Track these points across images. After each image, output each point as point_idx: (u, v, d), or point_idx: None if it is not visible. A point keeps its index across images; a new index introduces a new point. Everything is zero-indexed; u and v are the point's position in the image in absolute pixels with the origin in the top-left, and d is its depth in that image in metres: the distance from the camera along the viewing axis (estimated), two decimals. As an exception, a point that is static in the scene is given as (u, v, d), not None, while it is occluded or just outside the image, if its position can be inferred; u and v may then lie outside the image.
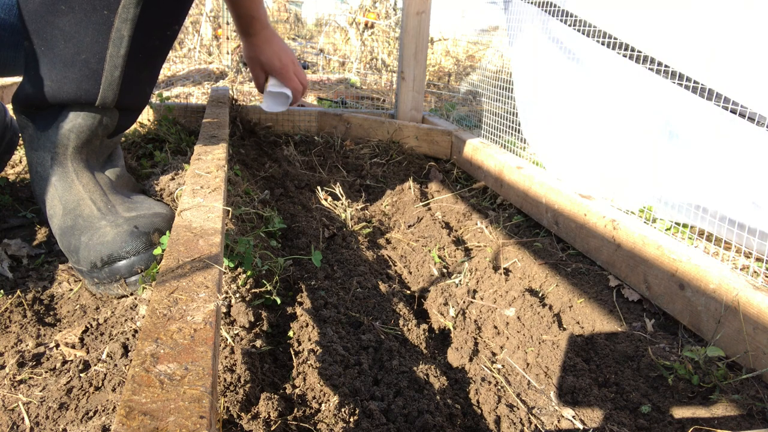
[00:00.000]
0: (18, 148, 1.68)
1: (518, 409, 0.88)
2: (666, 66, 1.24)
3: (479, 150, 1.88)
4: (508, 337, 1.06)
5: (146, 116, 2.12)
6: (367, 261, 1.32)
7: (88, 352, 0.87)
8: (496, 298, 1.17)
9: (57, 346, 0.88)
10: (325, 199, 1.68)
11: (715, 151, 1.24)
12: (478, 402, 0.90)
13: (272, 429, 0.72)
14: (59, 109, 1.09)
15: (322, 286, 1.13)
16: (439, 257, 1.38)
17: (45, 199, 1.11)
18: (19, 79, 1.15)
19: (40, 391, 0.77)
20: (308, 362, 0.86)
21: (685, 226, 1.38)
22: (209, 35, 4.75)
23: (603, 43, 1.38)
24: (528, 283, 1.28)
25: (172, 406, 0.44)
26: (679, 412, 0.87)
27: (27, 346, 0.88)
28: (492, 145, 1.90)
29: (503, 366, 1.00)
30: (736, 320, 0.95)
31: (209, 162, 1.17)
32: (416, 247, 1.45)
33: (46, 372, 0.82)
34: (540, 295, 1.23)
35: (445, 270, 1.33)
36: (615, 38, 1.35)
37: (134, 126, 2.01)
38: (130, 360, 0.83)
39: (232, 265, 1.01)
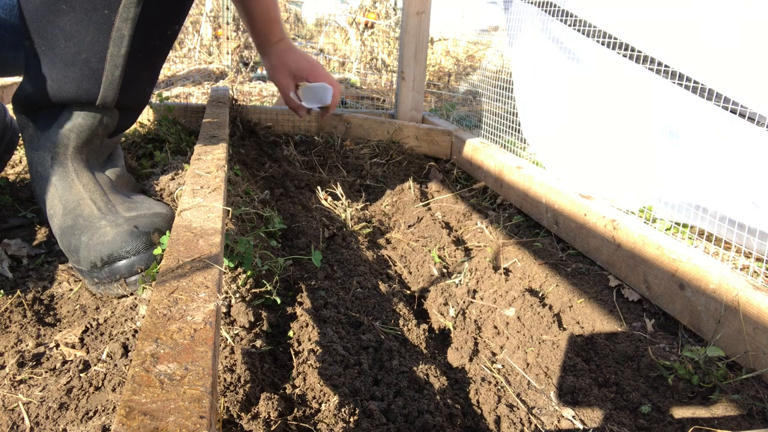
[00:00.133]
0: (18, 148, 1.68)
1: (518, 409, 0.88)
2: (666, 66, 1.24)
3: (479, 150, 1.88)
4: (508, 337, 1.06)
5: (146, 116, 2.12)
6: (367, 261, 1.32)
7: (88, 352, 0.87)
8: (496, 298, 1.17)
9: (57, 346, 0.88)
10: (325, 199, 1.68)
11: (715, 151, 1.24)
12: (478, 402, 0.90)
13: (272, 429, 0.72)
14: (60, 108, 1.09)
15: (322, 286, 1.13)
16: (439, 257, 1.38)
17: (45, 199, 1.11)
18: (19, 79, 1.15)
19: (40, 391, 0.77)
20: (308, 362, 0.86)
21: (685, 226, 1.38)
22: (209, 35, 4.75)
23: (603, 43, 1.38)
24: (528, 283, 1.28)
25: (172, 406, 0.44)
26: (679, 412, 0.87)
27: (27, 346, 0.88)
28: (492, 145, 1.90)
29: (503, 366, 1.00)
30: (736, 320, 0.95)
31: (209, 162, 1.17)
32: (416, 247, 1.45)
33: (46, 372, 0.82)
34: (540, 295, 1.23)
35: (445, 270, 1.33)
36: (615, 38, 1.35)
37: (134, 126, 2.01)
38: (130, 360, 0.83)
39: (232, 265, 1.01)
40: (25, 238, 1.22)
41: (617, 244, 1.24)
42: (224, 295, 0.95)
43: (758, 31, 1.14)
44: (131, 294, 1.01)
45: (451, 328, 1.12)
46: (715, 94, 1.15)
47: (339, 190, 1.70)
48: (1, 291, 1.01)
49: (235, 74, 3.94)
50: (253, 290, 1.01)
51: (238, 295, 0.97)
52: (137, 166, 1.59)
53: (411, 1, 2.15)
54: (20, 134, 1.33)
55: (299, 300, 1.08)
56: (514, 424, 0.85)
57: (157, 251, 1.00)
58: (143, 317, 0.85)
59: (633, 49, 1.31)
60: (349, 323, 1.04)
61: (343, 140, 2.24)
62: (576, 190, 1.43)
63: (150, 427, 0.42)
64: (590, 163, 1.55)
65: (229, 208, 1.07)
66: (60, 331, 0.93)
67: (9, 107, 1.52)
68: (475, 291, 1.21)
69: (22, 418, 0.73)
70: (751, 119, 1.10)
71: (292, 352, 0.91)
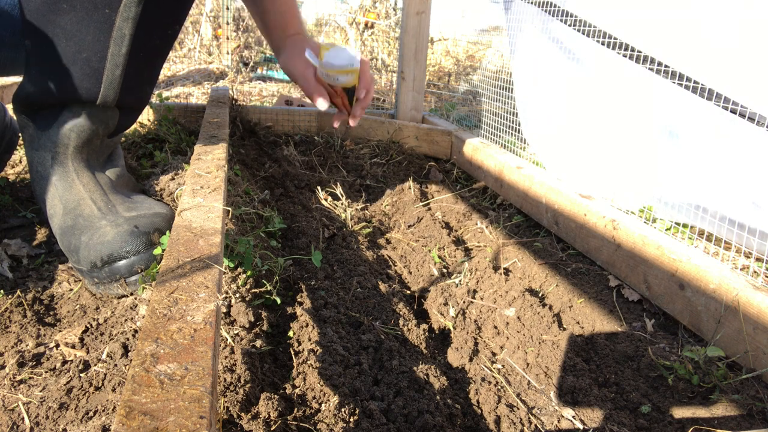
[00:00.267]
0: (18, 148, 1.68)
1: (518, 409, 0.88)
2: (666, 66, 1.24)
3: (479, 150, 1.88)
4: (508, 337, 1.06)
5: (146, 116, 2.12)
6: (367, 261, 1.32)
7: (88, 352, 0.87)
8: (496, 298, 1.17)
9: (57, 346, 0.88)
10: (325, 199, 1.68)
11: (715, 151, 1.24)
12: (478, 402, 0.90)
13: (272, 429, 0.72)
14: (60, 108, 1.09)
15: (322, 286, 1.13)
16: (439, 257, 1.38)
17: (45, 199, 1.11)
18: (19, 78, 1.15)
19: (40, 391, 0.77)
20: (308, 362, 0.86)
21: (685, 226, 1.38)
22: (209, 35, 4.75)
23: (603, 43, 1.38)
24: (528, 283, 1.28)
25: (172, 406, 0.44)
26: (679, 412, 0.87)
27: (27, 346, 0.88)
28: (492, 145, 1.90)
29: (503, 366, 1.00)
30: (736, 320, 0.95)
31: (209, 162, 1.17)
32: (416, 247, 1.45)
33: (46, 372, 0.82)
34: (540, 295, 1.23)
35: (445, 270, 1.33)
36: (615, 38, 1.35)
37: (134, 126, 2.01)
38: (130, 360, 0.83)
39: (232, 265, 1.01)
40: (25, 238, 1.22)
41: (617, 244, 1.24)
42: (224, 295, 0.95)
43: (758, 31, 1.14)
44: (131, 294, 1.01)
45: (451, 328, 1.12)
46: (715, 94, 1.15)
47: (339, 190, 1.70)
48: (1, 291, 1.01)
49: (235, 74, 3.94)
50: (253, 290, 1.01)
51: (238, 295, 0.97)
52: (137, 166, 1.59)
53: (411, 1, 2.15)
54: (20, 134, 1.33)
55: (299, 300, 1.08)
56: (514, 424, 0.85)
57: (157, 251, 1.00)
58: (143, 317, 0.85)
59: (633, 49, 1.31)
60: (349, 323, 1.04)
61: (343, 140, 2.24)
62: (576, 190, 1.43)
63: (150, 427, 0.42)
64: (590, 163, 1.55)
65: (229, 208, 1.07)
66: (60, 331, 0.93)
67: (9, 107, 1.52)
68: (475, 291, 1.21)
69: (22, 418, 0.73)
70: (751, 119, 1.10)
71: (292, 352, 0.91)
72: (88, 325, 0.92)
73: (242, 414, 0.73)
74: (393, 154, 2.10)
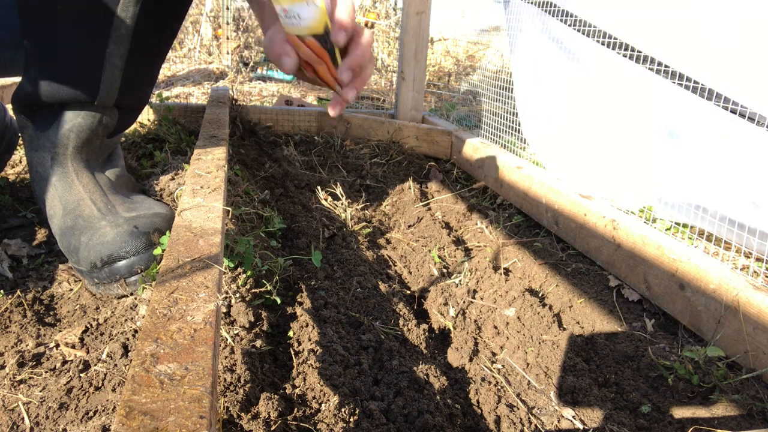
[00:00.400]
0: (18, 148, 1.68)
1: (518, 409, 0.88)
2: (666, 66, 1.24)
3: (479, 150, 1.88)
4: (508, 337, 1.06)
5: (146, 116, 2.12)
6: (367, 261, 1.32)
7: (88, 352, 0.87)
8: (496, 298, 1.17)
9: (57, 346, 0.88)
10: (325, 199, 1.68)
11: (715, 151, 1.24)
12: (478, 402, 0.90)
13: (272, 429, 0.72)
14: (59, 108, 1.08)
15: (322, 286, 1.13)
16: (439, 257, 1.38)
17: (45, 200, 1.11)
18: (18, 78, 1.15)
19: (40, 391, 0.77)
20: (308, 362, 0.86)
21: (685, 226, 1.38)
22: (209, 35, 4.75)
23: (603, 43, 1.38)
24: (528, 283, 1.27)
25: (172, 406, 0.44)
26: (679, 412, 0.87)
27: (27, 346, 0.88)
28: (492, 145, 1.90)
29: (503, 366, 1.00)
30: (736, 320, 0.95)
31: (209, 162, 1.17)
32: (416, 247, 1.45)
33: (46, 372, 0.82)
34: (540, 295, 1.23)
35: (445, 270, 1.33)
36: (615, 38, 1.35)
37: (134, 126, 2.01)
38: (130, 360, 0.83)
39: (232, 265, 1.01)
40: (25, 238, 1.22)
41: (617, 244, 1.24)
42: (224, 295, 0.95)
43: (758, 31, 1.14)
44: (131, 294, 1.01)
45: (451, 328, 1.12)
46: (715, 94, 1.15)
47: (339, 190, 1.70)
48: (1, 291, 1.01)
49: (235, 74, 3.94)
50: (253, 290, 1.01)
51: (238, 295, 0.97)
52: (137, 166, 1.59)
53: (411, 1, 2.15)
54: (20, 134, 1.33)
55: (299, 300, 1.08)
56: (514, 424, 0.85)
57: (157, 251, 1.00)
58: (143, 317, 0.85)
59: (633, 49, 1.31)
60: (349, 323, 1.04)
61: (343, 140, 2.24)
62: (576, 190, 1.43)
63: (150, 427, 0.42)
64: (590, 163, 1.55)
65: (229, 208, 1.07)
66: (60, 331, 0.93)
67: (9, 107, 1.52)
68: (475, 291, 1.21)
69: (22, 418, 0.73)
70: (751, 119, 1.10)
71: (292, 352, 0.91)
72: (88, 325, 0.92)
73: (242, 414, 0.73)
74: (393, 154, 2.10)
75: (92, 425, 0.71)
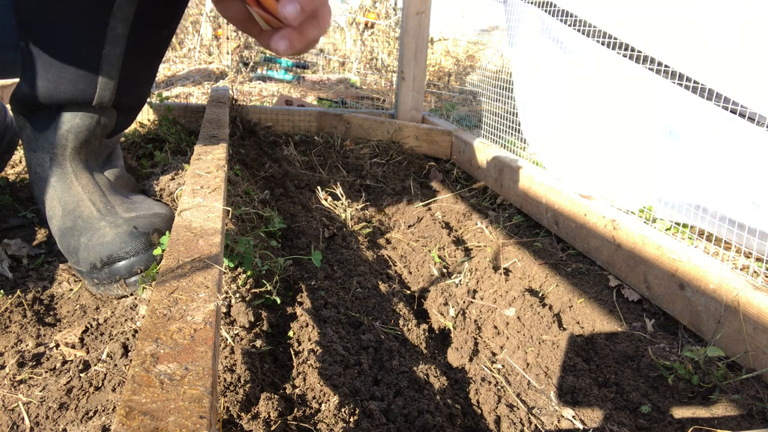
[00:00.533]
0: (18, 148, 1.68)
1: (518, 409, 0.88)
2: (666, 66, 1.24)
3: (479, 150, 1.88)
4: (508, 337, 1.06)
5: (146, 116, 2.12)
6: (367, 261, 1.32)
7: (88, 352, 0.87)
8: (496, 298, 1.17)
9: (57, 346, 0.88)
10: (325, 199, 1.68)
11: (715, 151, 1.24)
12: (478, 402, 0.90)
13: (272, 429, 0.72)
14: (56, 109, 1.08)
15: (322, 286, 1.13)
16: (439, 257, 1.38)
17: (44, 200, 1.11)
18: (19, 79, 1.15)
19: (40, 391, 0.77)
20: (308, 362, 0.86)
21: (685, 226, 1.38)
22: (209, 35, 4.75)
23: (603, 43, 1.38)
24: (528, 283, 1.27)
25: (172, 406, 0.44)
26: (679, 412, 0.87)
27: (27, 346, 0.88)
28: (492, 145, 1.90)
29: (503, 366, 1.00)
30: (736, 320, 0.95)
31: (209, 162, 1.17)
32: (416, 247, 1.45)
33: (46, 372, 0.82)
34: (540, 295, 1.23)
35: (445, 270, 1.33)
36: (615, 38, 1.35)
37: (134, 126, 2.01)
38: (130, 360, 0.83)
39: (232, 265, 1.01)
40: (25, 238, 1.22)
41: (617, 244, 1.24)
42: (224, 295, 0.95)
43: (758, 31, 1.14)
44: (131, 294, 1.01)
45: (451, 328, 1.12)
46: (715, 94, 1.15)
47: (339, 190, 1.70)
48: (1, 291, 1.01)
49: (235, 74, 3.94)
50: (253, 290, 1.01)
51: (238, 295, 0.97)
52: (137, 166, 1.59)
53: (411, 1, 2.15)
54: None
55: (299, 300, 1.08)
56: (514, 424, 0.85)
57: (157, 251, 1.00)
58: (143, 317, 0.85)
59: (633, 49, 1.31)
60: (349, 323, 1.04)
61: (343, 140, 2.24)
62: (576, 190, 1.43)
63: (150, 427, 0.42)
64: (590, 163, 1.55)
65: (229, 208, 1.07)
66: (60, 331, 0.93)
67: (9, 107, 1.52)
68: (475, 291, 1.21)
69: (22, 418, 0.73)
70: (751, 119, 1.10)
71: (292, 352, 0.91)
72: (88, 325, 0.92)
73: (242, 414, 0.73)
74: (393, 154, 2.10)
75: (92, 425, 0.71)
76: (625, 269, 1.22)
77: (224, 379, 0.77)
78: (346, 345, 0.94)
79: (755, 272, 1.18)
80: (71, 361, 0.85)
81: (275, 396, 0.76)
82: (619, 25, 1.38)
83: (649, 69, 1.27)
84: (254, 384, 0.79)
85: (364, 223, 1.57)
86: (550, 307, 1.16)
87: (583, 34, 1.45)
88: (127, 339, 0.87)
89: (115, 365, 0.82)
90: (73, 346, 0.88)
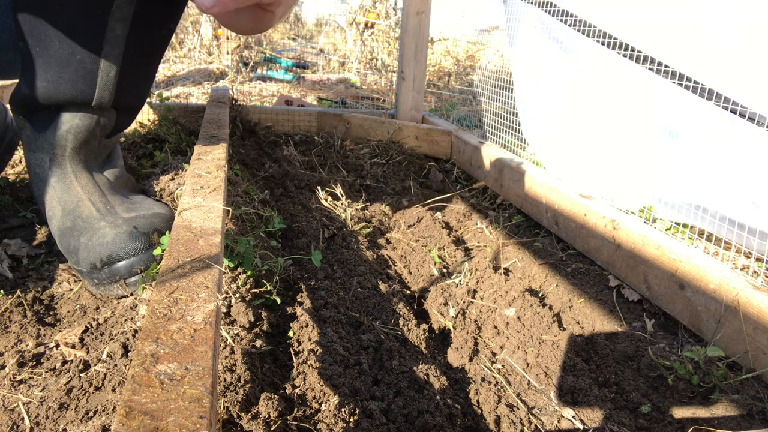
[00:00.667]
0: (18, 148, 1.68)
1: (518, 409, 0.88)
2: (666, 66, 1.24)
3: (479, 150, 1.88)
4: (508, 337, 1.06)
5: (146, 116, 2.12)
6: (367, 261, 1.32)
7: (88, 352, 0.87)
8: (496, 298, 1.17)
9: (57, 346, 0.88)
10: (325, 199, 1.68)
11: (715, 151, 1.24)
12: (478, 402, 0.90)
13: (272, 429, 0.72)
14: (56, 110, 1.08)
15: (322, 286, 1.13)
16: (439, 257, 1.38)
17: (44, 201, 1.11)
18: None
19: (40, 391, 0.77)
20: (308, 362, 0.86)
21: (685, 226, 1.38)
22: (209, 35, 4.75)
23: (603, 43, 1.38)
24: (528, 283, 1.27)
25: (172, 406, 0.44)
26: (679, 412, 0.87)
27: (27, 346, 0.88)
28: (492, 145, 1.90)
29: (503, 366, 1.00)
30: (736, 320, 0.95)
31: (209, 162, 1.17)
32: (416, 247, 1.45)
33: (46, 372, 0.82)
34: (540, 295, 1.23)
35: (445, 270, 1.33)
36: (615, 38, 1.35)
37: (134, 126, 2.01)
38: (130, 360, 0.83)
39: (232, 265, 1.01)
40: (25, 238, 1.22)
41: (617, 244, 1.24)
42: (224, 295, 0.95)
43: (758, 31, 1.14)
44: (131, 294, 1.01)
45: (451, 328, 1.12)
46: (715, 94, 1.15)
47: (339, 190, 1.70)
48: (1, 291, 1.01)
49: (235, 74, 3.94)
50: (253, 290, 1.01)
51: (238, 295, 0.97)
52: (137, 166, 1.59)
53: (411, 1, 2.15)
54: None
55: (299, 300, 1.08)
56: (514, 424, 0.85)
57: (157, 251, 1.00)
58: (143, 317, 0.85)
59: (633, 49, 1.31)
60: (349, 323, 1.04)
61: (343, 140, 2.24)
62: (576, 190, 1.43)
63: (150, 427, 0.42)
64: (590, 163, 1.55)
65: (229, 208, 1.07)
66: (60, 331, 0.93)
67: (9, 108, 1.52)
68: (475, 291, 1.21)
69: (22, 418, 0.73)
70: (751, 119, 1.10)
71: (292, 352, 0.91)
72: (88, 325, 0.92)
73: (242, 414, 0.73)
74: (393, 154, 2.10)
75: (92, 425, 0.71)
76: (625, 269, 1.22)
77: (224, 379, 0.77)
78: (346, 345, 0.94)
79: (755, 272, 1.18)
80: (71, 361, 0.85)
81: (275, 396, 0.76)
82: (619, 25, 1.38)
83: (649, 69, 1.27)
84: (254, 384, 0.79)
85: (364, 223, 1.57)
86: (550, 307, 1.16)
87: (583, 34, 1.45)
88: (127, 339, 0.87)
89: (115, 365, 0.82)
90: (73, 346, 0.88)
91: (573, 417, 0.86)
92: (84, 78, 1.05)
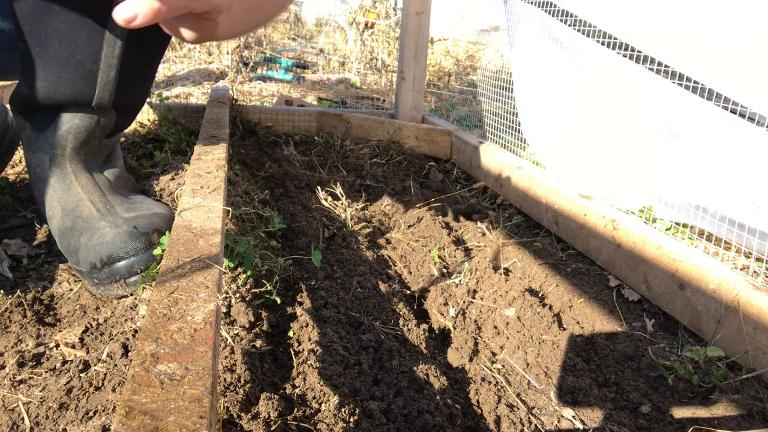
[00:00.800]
0: (18, 148, 1.68)
1: (518, 409, 0.88)
2: (666, 66, 1.24)
3: (479, 150, 1.88)
4: (508, 337, 1.06)
5: (146, 116, 2.12)
6: (367, 261, 1.32)
7: (88, 352, 0.87)
8: (496, 298, 1.17)
9: (57, 346, 0.88)
10: (325, 199, 1.68)
11: (715, 151, 1.24)
12: (478, 402, 0.90)
13: (272, 429, 0.72)
14: (56, 110, 1.08)
15: (322, 286, 1.13)
16: (439, 257, 1.38)
17: (44, 201, 1.11)
18: (19, 79, 1.15)
19: (40, 391, 0.77)
20: (308, 362, 0.86)
21: (685, 226, 1.38)
22: (209, 35, 4.73)
23: (603, 43, 1.38)
24: (528, 283, 1.27)
25: (172, 406, 0.44)
26: (679, 412, 0.87)
27: (27, 346, 0.88)
28: (492, 145, 1.90)
29: (503, 366, 1.00)
30: (736, 320, 0.95)
31: (209, 162, 1.17)
32: (416, 247, 1.45)
33: (46, 372, 0.82)
34: (540, 295, 1.23)
35: (445, 270, 1.33)
36: (615, 38, 1.35)
37: (134, 126, 2.01)
38: (130, 360, 0.83)
39: (232, 265, 1.01)
40: (25, 238, 1.22)
41: (617, 244, 1.24)
42: (224, 295, 0.95)
43: (758, 31, 1.14)
44: (131, 294, 1.01)
45: (451, 328, 1.12)
46: (715, 94, 1.15)
47: (339, 190, 1.70)
48: (1, 291, 1.01)
49: (235, 74, 3.94)
50: (253, 290, 1.01)
51: (238, 295, 0.97)
52: (137, 166, 1.59)
53: (411, 1, 2.15)
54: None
55: (299, 300, 1.08)
56: (514, 424, 0.85)
57: (157, 251, 1.00)
58: (143, 317, 0.85)
59: (633, 49, 1.31)
60: (349, 323, 1.04)
61: (343, 140, 2.24)
62: (576, 190, 1.43)
63: (150, 427, 0.42)
64: (590, 163, 1.55)
65: (229, 208, 1.07)
66: (60, 331, 0.93)
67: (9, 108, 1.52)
68: (475, 291, 1.21)
69: (22, 418, 0.73)
70: (751, 119, 1.10)
71: (292, 352, 0.91)
72: (88, 325, 0.92)
73: (242, 414, 0.73)
74: (393, 154, 2.10)
75: (92, 425, 0.71)
76: (625, 269, 1.22)
77: (224, 379, 0.77)
78: (346, 345, 0.94)
79: (755, 272, 1.18)
80: (71, 361, 0.85)
81: (275, 396, 0.76)
82: (619, 25, 1.38)
83: (649, 69, 1.27)
84: (254, 384, 0.79)
85: (364, 223, 1.57)
86: (550, 307, 1.16)
87: (583, 34, 1.45)
88: (127, 339, 0.87)
89: (115, 365, 0.82)
90: (73, 346, 0.88)
91: (573, 417, 0.86)
92: (84, 78, 1.05)
